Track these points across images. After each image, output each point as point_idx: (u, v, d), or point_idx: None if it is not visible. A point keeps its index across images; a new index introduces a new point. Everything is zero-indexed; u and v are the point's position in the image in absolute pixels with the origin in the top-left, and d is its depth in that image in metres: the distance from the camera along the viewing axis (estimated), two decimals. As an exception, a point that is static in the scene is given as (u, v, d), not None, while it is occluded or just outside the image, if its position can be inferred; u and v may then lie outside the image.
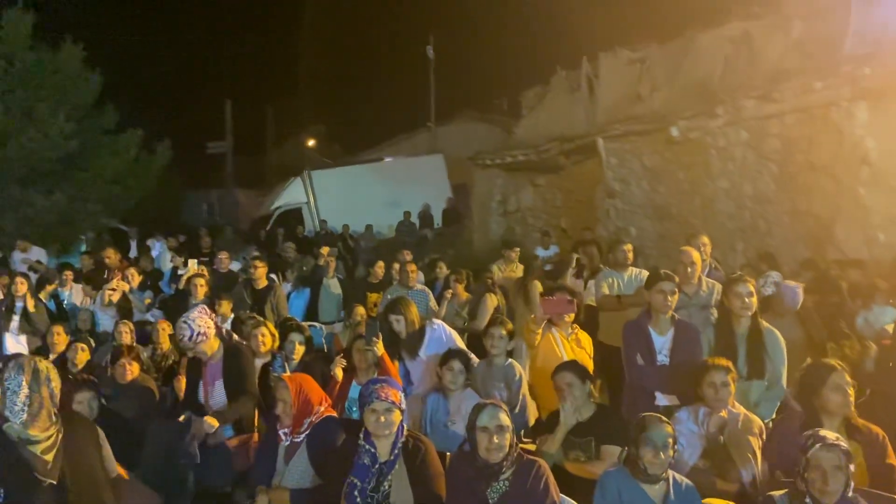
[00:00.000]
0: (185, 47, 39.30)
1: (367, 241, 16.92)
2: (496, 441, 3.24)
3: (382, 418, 3.41)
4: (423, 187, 18.44)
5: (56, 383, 3.15)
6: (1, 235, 12.56)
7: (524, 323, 5.40)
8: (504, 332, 4.86)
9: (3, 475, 2.99)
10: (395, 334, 4.96)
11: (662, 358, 4.39)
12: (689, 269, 5.00)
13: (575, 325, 5.29)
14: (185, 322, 4.36)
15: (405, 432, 3.49)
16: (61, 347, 6.42)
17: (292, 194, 18.63)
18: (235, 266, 10.26)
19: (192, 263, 8.96)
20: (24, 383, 3.00)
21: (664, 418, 3.31)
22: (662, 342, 4.40)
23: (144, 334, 7.06)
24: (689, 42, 11.73)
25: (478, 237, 16.08)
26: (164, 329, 6.68)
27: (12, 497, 3.01)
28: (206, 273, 7.80)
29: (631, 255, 6.13)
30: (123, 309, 7.86)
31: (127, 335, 6.47)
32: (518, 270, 8.23)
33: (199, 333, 4.32)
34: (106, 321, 7.80)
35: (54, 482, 3.06)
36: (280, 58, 43.29)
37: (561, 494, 3.33)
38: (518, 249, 8.86)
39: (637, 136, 11.61)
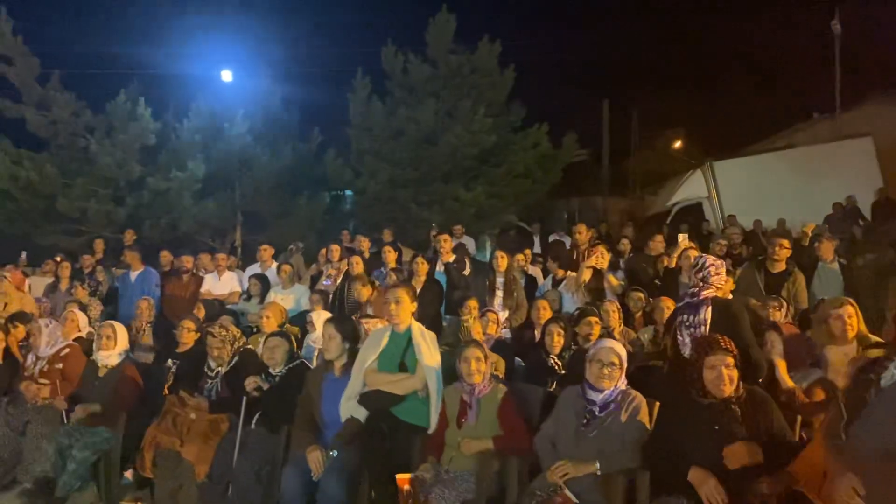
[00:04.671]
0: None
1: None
2: None
3: None
4: (845, 177, 15.75)
5: None
6: (427, 227, 13.16)
7: None
8: None
9: None
10: None
11: None
12: None
13: None
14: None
15: None
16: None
17: (691, 188, 17.18)
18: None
19: (683, 238, 8.12)
20: None
21: None
22: None
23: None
24: None
25: (936, 234, 12.95)
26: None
27: None
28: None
29: None
30: (595, 290, 7.37)
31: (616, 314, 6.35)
32: None
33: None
34: (566, 301, 7.51)
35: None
36: (650, 55, 40.68)
37: None
38: None
39: None
